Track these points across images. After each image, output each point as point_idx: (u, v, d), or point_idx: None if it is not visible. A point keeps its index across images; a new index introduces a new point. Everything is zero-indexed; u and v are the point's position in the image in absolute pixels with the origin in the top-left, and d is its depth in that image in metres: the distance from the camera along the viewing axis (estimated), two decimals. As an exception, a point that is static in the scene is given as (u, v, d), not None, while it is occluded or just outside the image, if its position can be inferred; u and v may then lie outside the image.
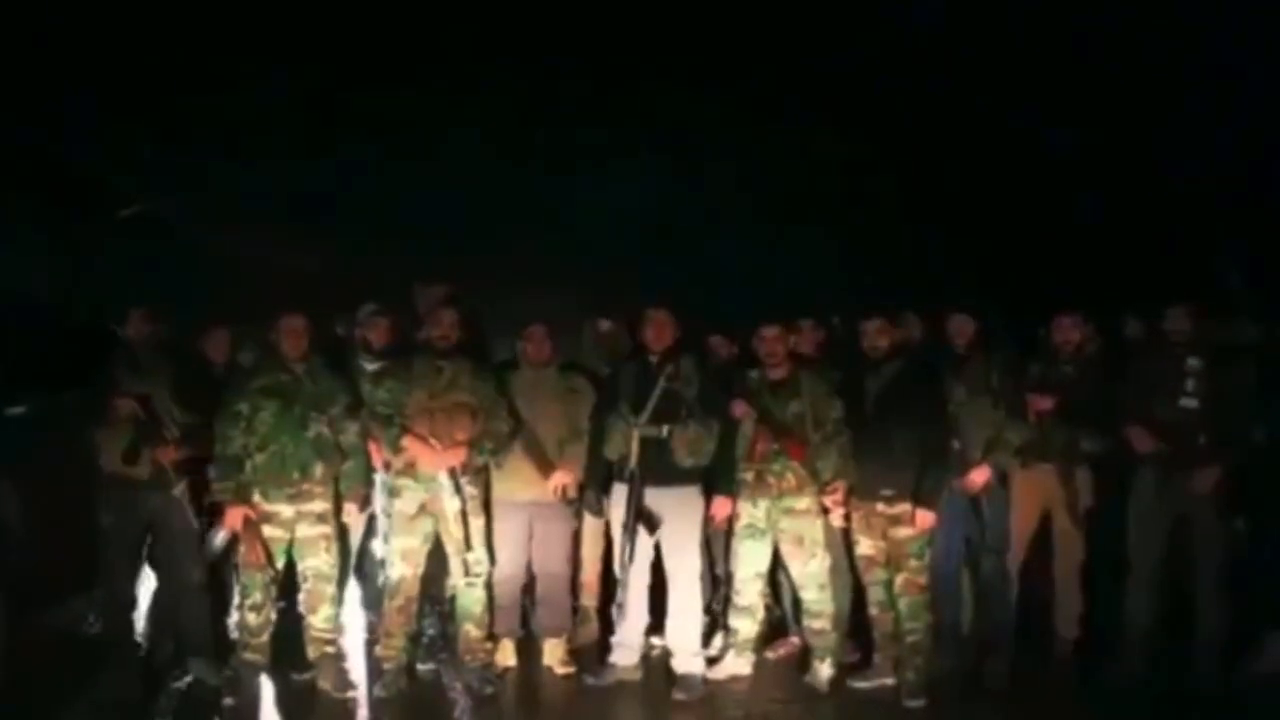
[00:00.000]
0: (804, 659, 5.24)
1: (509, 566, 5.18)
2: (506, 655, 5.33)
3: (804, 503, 5.01)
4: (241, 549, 4.82)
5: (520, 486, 5.14)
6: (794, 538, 5.04)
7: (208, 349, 5.44)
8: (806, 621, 5.14)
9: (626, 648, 5.16)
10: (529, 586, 5.37)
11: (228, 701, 4.78)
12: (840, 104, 8.86)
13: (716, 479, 5.05)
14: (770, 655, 5.48)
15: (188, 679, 4.94)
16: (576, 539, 5.43)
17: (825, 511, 5.02)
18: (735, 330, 5.58)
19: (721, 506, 5.04)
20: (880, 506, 4.88)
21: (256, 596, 4.83)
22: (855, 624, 5.32)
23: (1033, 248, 8.52)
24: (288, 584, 5.01)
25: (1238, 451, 4.77)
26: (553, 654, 5.36)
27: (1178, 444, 4.79)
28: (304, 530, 4.86)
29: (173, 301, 5.18)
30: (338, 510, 4.97)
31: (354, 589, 5.47)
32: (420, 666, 5.24)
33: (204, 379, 5.15)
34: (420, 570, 5.00)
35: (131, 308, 5.05)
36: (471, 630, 5.02)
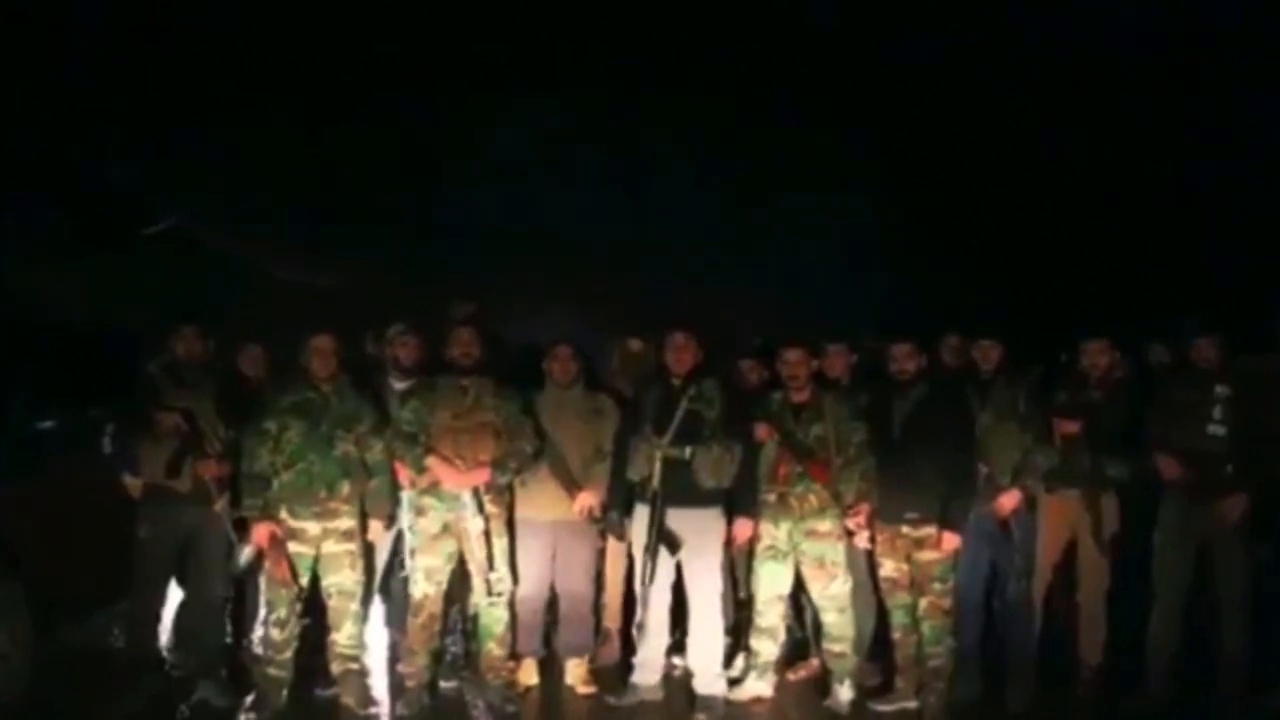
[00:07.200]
0: (825, 681, 5.22)
1: (532, 586, 5.19)
2: (529, 674, 5.35)
3: (826, 525, 5.00)
4: (267, 565, 4.84)
5: (545, 506, 5.15)
6: (815, 560, 5.03)
7: (242, 365, 5.49)
8: (826, 644, 5.13)
9: (648, 668, 5.17)
10: (551, 605, 5.38)
11: (251, 717, 4.80)
12: (874, 131, 8.88)
13: (738, 500, 5.05)
14: (791, 677, 5.46)
15: (196, 697, 4.97)
16: (600, 559, 5.45)
17: (849, 534, 5.01)
18: (766, 355, 5.57)
19: (743, 528, 5.04)
20: (905, 529, 4.89)
21: (281, 612, 4.84)
22: (878, 647, 5.31)
23: (1061, 273, 8.51)
24: (312, 600, 5.02)
25: (1265, 480, 4.74)
26: (574, 673, 5.36)
27: (1204, 472, 4.78)
28: (329, 547, 4.88)
29: (209, 318, 5.22)
30: (363, 528, 5.00)
31: (378, 606, 5.50)
32: (443, 684, 5.25)
33: (245, 395, 5.18)
34: (443, 588, 5.02)
35: (182, 324, 5.10)
36: (494, 649, 5.02)
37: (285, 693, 4.91)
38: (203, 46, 7.90)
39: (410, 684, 5.03)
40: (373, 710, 4.99)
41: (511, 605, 5.07)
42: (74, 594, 5.20)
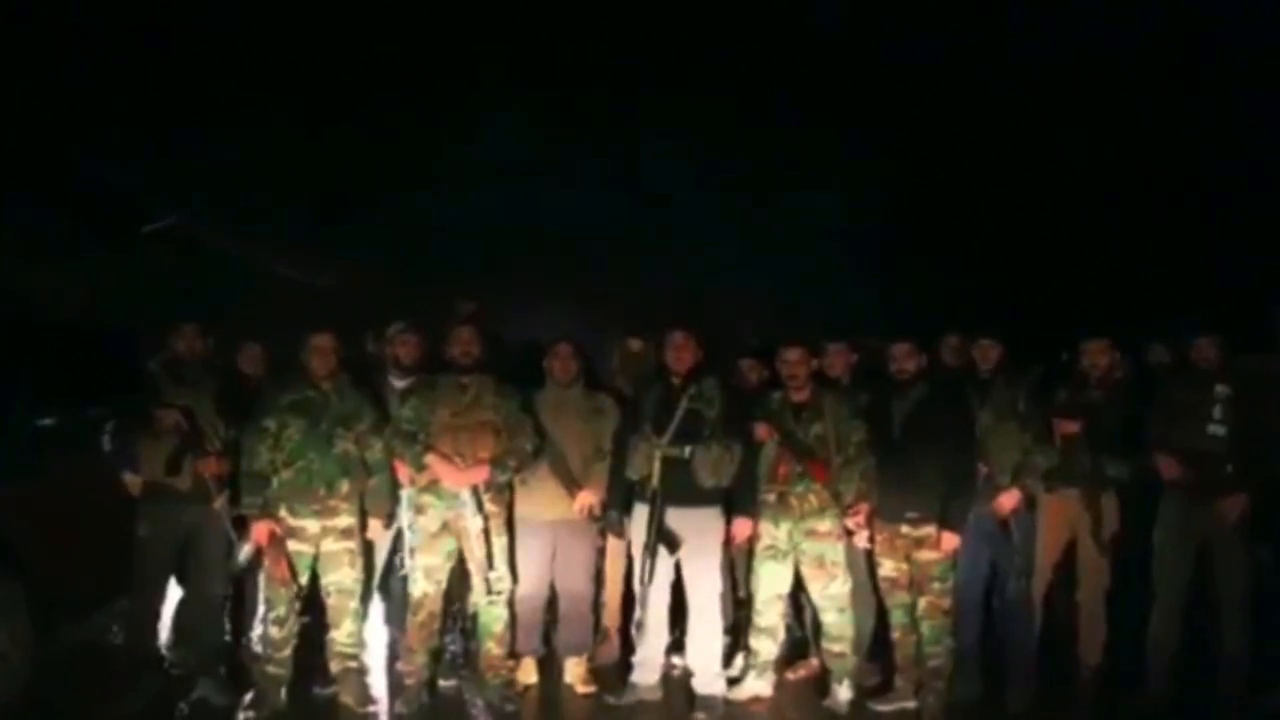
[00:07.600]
0: (824, 681, 5.22)
1: (531, 585, 5.18)
2: (528, 673, 5.34)
3: (826, 524, 4.99)
4: (266, 563, 4.84)
5: (544, 505, 5.14)
6: (815, 559, 5.02)
7: (242, 363, 5.50)
8: (825, 644, 5.12)
9: (647, 667, 5.16)
10: (551, 604, 5.37)
11: (249, 715, 4.80)
12: (874, 131, 8.88)
13: (738, 500, 5.04)
14: (790, 676, 5.45)
15: (195, 695, 4.97)
16: (600, 558, 5.44)
17: (849, 534, 5.01)
18: (766, 354, 5.57)
19: (742, 527, 5.03)
20: (905, 529, 4.88)
21: (280, 610, 4.85)
22: (877, 647, 5.30)
23: (1061, 273, 8.51)
24: (311, 599, 5.02)
25: (1265, 480, 4.74)
26: (574, 672, 5.36)
27: (1204, 472, 4.78)
28: (329, 545, 4.88)
29: (206, 317, 5.22)
30: (363, 526, 5.00)
31: (377, 604, 5.50)
32: (442, 683, 5.24)
33: (245, 393, 5.18)
34: (443, 587, 5.01)
35: (182, 322, 5.10)
36: (493, 648, 5.02)
37: (284, 691, 4.91)
38: (203, 46, 7.91)
39: (409, 682, 5.03)
40: (371, 709, 4.99)
41: (511, 604, 5.06)
42: (74, 594, 5.19)
